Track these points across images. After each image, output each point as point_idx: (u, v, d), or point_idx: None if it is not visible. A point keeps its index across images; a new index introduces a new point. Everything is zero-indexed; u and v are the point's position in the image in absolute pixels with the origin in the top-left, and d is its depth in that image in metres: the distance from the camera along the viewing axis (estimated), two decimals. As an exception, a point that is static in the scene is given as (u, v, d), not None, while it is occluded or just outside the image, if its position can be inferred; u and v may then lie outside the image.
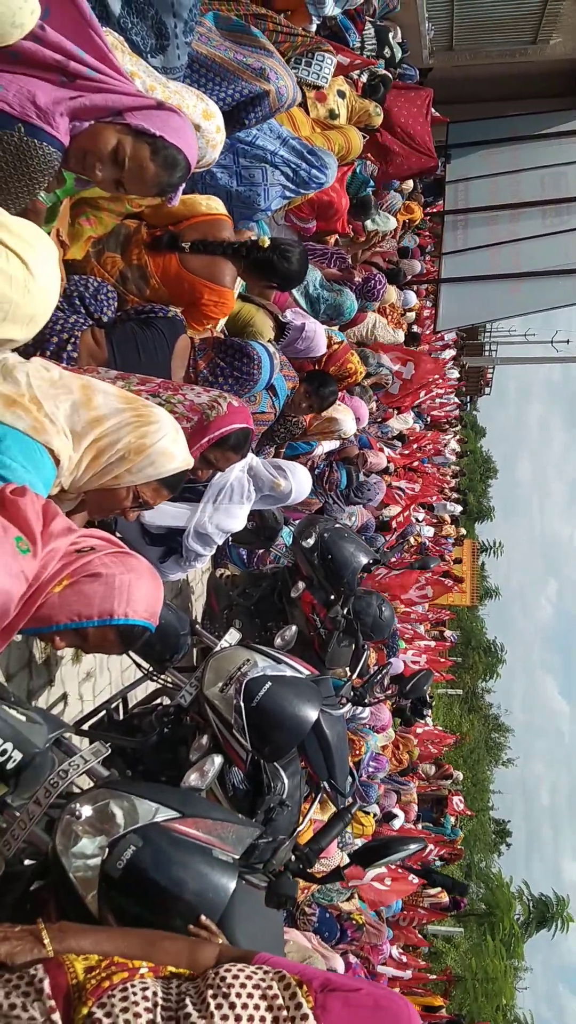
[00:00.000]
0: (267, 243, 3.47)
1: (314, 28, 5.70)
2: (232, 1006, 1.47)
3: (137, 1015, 1.46)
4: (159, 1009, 1.48)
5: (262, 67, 3.65)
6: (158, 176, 2.41)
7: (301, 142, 4.29)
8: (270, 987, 1.52)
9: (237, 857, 2.15)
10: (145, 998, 1.50)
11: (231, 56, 3.61)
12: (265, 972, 1.56)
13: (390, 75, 8.21)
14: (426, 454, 17.36)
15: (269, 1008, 1.49)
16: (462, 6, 11.68)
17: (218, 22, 3.75)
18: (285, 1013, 1.48)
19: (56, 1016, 1.46)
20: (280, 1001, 1.51)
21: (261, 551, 5.97)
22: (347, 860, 2.92)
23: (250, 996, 1.50)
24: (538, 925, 40.49)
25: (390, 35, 8.74)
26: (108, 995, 1.50)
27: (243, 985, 1.52)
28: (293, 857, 2.33)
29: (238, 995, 1.50)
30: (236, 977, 1.54)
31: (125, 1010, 1.46)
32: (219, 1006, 1.46)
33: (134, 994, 1.51)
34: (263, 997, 1.51)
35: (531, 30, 12.14)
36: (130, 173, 2.36)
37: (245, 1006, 1.48)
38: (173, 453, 2.37)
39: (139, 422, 2.31)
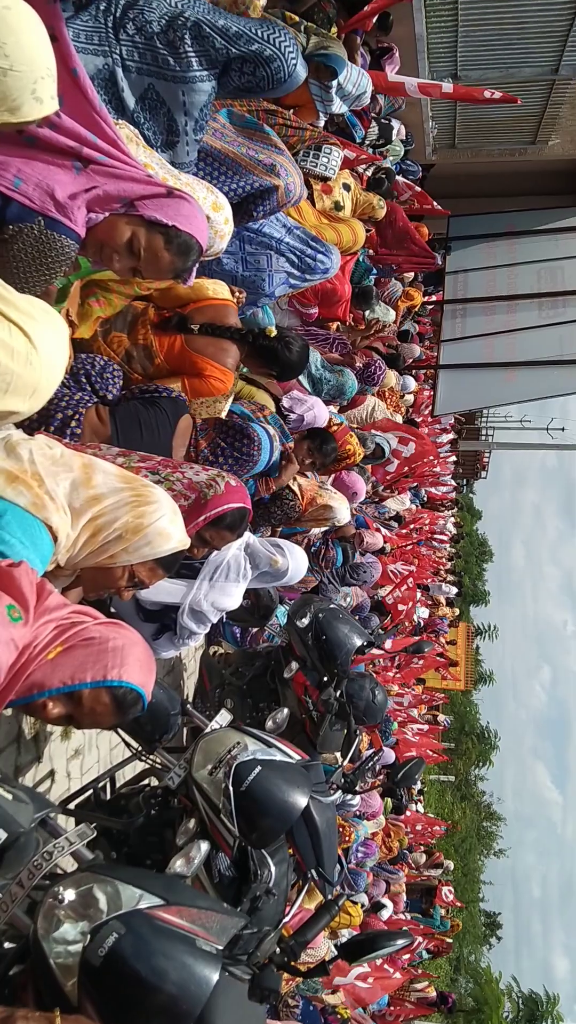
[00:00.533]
0: (274, 333, 3.55)
1: (321, 123, 5.94)
2: None
3: None
4: None
5: (273, 163, 3.79)
6: (173, 263, 2.51)
7: (306, 231, 4.43)
8: None
9: (221, 948, 2.10)
10: None
11: (243, 151, 3.76)
12: None
13: (394, 170, 8.51)
14: (423, 536, 17.43)
15: None
16: (465, 107, 12.17)
17: (232, 118, 3.91)
18: None
19: None
20: None
21: (255, 630, 5.94)
22: (334, 952, 2.84)
23: None
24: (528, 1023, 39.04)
25: (393, 132, 9.07)
26: None
27: None
28: (278, 949, 2.27)
29: None
30: None
31: None
32: None
33: None
34: None
35: (531, 131, 12.61)
36: (146, 262, 2.46)
37: None
38: (170, 533, 2.38)
39: (137, 502, 2.33)
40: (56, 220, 2.22)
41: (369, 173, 7.91)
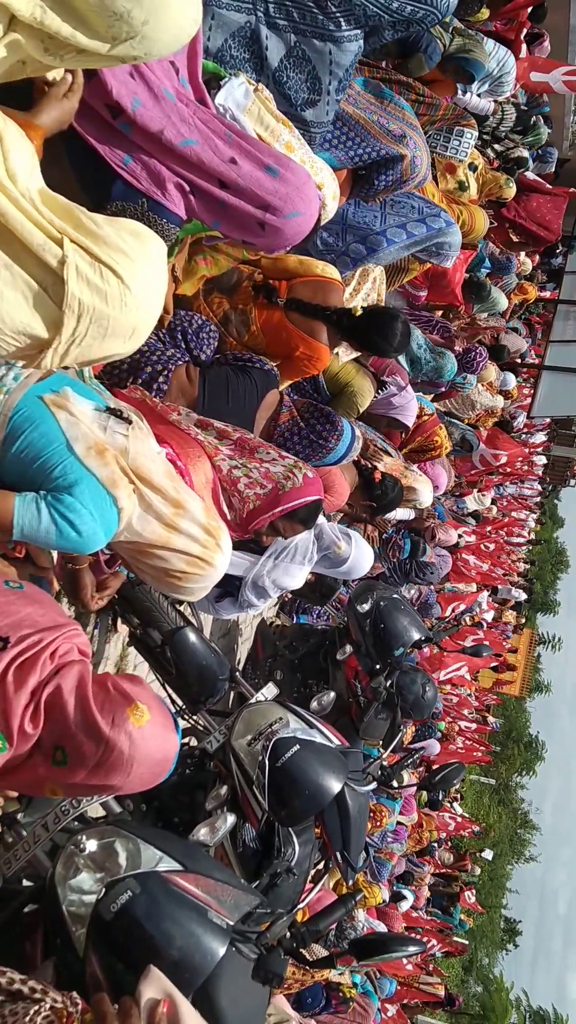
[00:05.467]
0: (359, 311, 3.46)
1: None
2: None
3: None
4: None
5: (403, 134, 3.69)
6: None
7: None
8: None
9: (232, 923, 2.09)
10: None
11: (374, 119, 3.67)
12: None
13: (526, 156, 8.24)
14: (500, 537, 17.15)
15: None
16: (608, 104, 11.75)
17: (367, 87, 3.82)
18: None
19: (79, 1002, 1.51)
20: None
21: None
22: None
23: None
24: (533, 1040, 38.70)
25: (533, 119, 8.79)
26: None
27: None
28: (288, 934, 2.26)
29: None
30: None
31: None
32: None
33: None
34: None
35: None
36: None
37: None
38: (196, 594, 2.50)
39: (198, 564, 2.38)
40: (159, 204, 2.21)
41: (500, 158, 7.68)
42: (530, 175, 8.83)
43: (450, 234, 4.40)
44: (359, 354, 4.28)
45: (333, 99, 3.12)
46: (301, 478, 2.91)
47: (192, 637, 3.55)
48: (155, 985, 1.57)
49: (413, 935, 12.22)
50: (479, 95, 6.35)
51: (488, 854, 20.91)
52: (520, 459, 10.99)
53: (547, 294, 13.07)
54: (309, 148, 2.97)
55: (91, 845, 2.12)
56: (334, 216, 3.60)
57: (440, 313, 7.21)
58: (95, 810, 2.54)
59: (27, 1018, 1.39)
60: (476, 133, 5.75)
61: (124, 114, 2.10)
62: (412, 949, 2.45)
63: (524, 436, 17.04)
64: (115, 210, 2.19)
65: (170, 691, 3.80)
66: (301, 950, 2.29)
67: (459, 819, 17.15)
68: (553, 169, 10.59)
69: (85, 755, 1.82)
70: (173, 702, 3.89)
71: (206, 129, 2.26)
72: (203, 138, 2.24)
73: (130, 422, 2.16)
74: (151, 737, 1.88)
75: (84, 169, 2.21)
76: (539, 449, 20.64)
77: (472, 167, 6.21)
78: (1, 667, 1.80)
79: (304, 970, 5.01)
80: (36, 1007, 1.40)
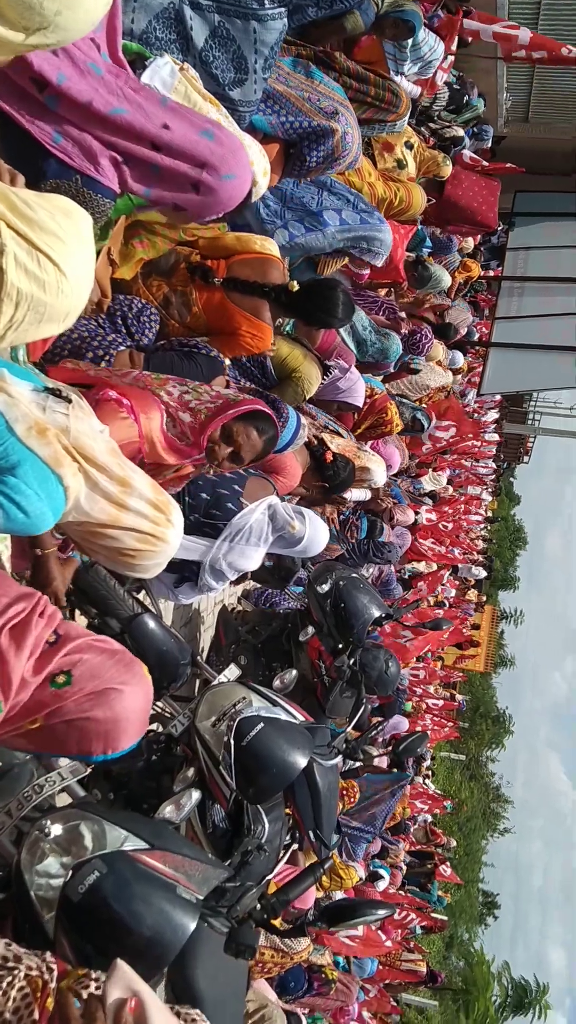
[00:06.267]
0: (295, 287, 3.46)
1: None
2: None
3: None
4: None
5: (335, 111, 3.70)
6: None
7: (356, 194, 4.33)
8: None
9: (201, 898, 2.10)
10: None
11: (305, 96, 3.67)
12: None
13: (461, 135, 8.29)
14: (458, 514, 17.30)
15: None
16: (541, 81, 11.83)
17: (296, 67, 3.82)
18: None
19: (54, 966, 1.49)
20: None
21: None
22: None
23: None
24: (514, 1010, 39.24)
25: (466, 98, 8.84)
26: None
27: None
28: (258, 906, 2.28)
29: None
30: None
31: None
32: None
33: None
34: None
35: (607, 110, 12.28)
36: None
37: None
38: (149, 571, 2.49)
39: (149, 541, 2.37)
40: (93, 179, 2.20)
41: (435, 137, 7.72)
42: (467, 154, 8.90)
43: (382, 231, 4.42)
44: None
45: (260, 77, 3.12)
46: (250, 396, 2.92)
47: (151, 623, 3.54)
48: (121, 983, 1.52)
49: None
50: (407, 76, 6.36)
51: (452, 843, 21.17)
52: (470, 432, 11.07)
53: (491, 272, 13.17)
54: (238, 127, 2.97)
55: (56, 829, 2.12)
56: (275, 191, 3.61)
57: (384, 292, 7.24)
58: (60, 800, 2.53)
59: (0, 993, 1.37)
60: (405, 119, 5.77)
61: (50, 87, 2.09)
62: (382, 912, 2.48)
63: (475, 417, 17.21)
64: (50, 188, 2.18)
65: (132, 679, 3.79)
66: (272, 921, 2.31)
67: (433, 796, 17.31)
68: (489, 146, 10.67)
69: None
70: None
71: (137, 97, 2.26)
72: (133, 106, 2.24)
73: (70, 401, 2.15)
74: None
75: (14, 149, 2.19)
76: (491, 427, 20.84)
77: (409, 145, 6.24)
78: None
79: (283, 953, 5.05)
80: (10, 978, 1.38)
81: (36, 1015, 1.36)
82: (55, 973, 1.44)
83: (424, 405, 8.82)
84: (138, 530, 2.29)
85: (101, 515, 2.22)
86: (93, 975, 1.49)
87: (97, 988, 1.46)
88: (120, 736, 2.07)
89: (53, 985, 1.42)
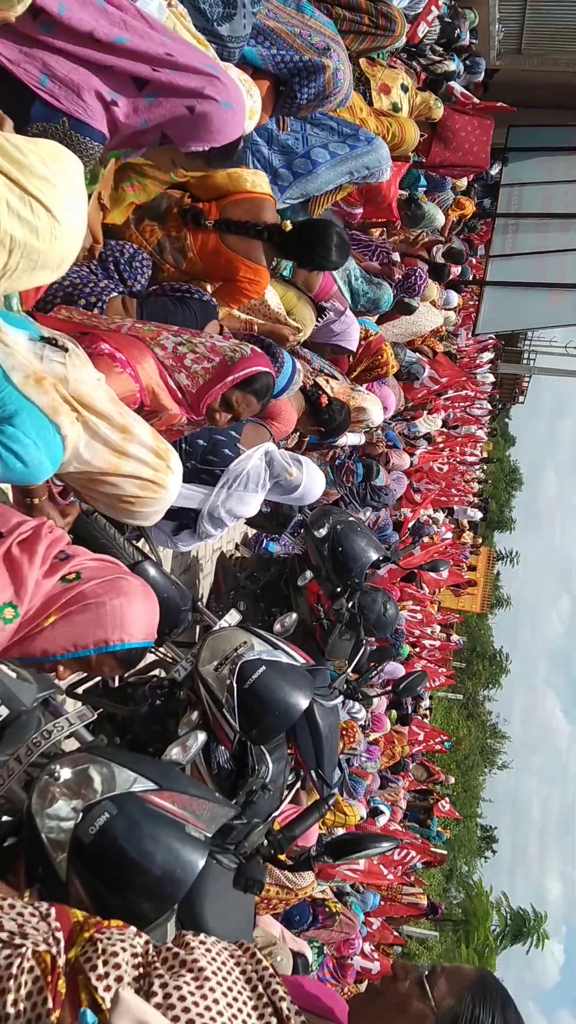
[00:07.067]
0: (288, 227, 3.41)
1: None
2: (197, 962, 1.45)
3: (124, 949, 1.46)
4: (138, 958, 1.48)
5: (327, 47, 3.62)
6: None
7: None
8: (232, 949, 1.53)
9: (209, 835, 2.15)
10: (133, 945, 1.51)
11: (296, 31, 3.59)
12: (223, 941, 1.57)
13: (453, 69, 8.11)
14: (455, 455, 17.30)
15: (234, 961, 1.50)
16: (534, 11, 11.53)
17: (287, 1, 3.72)
18: (249, 968, 1.49)
19: (60, 935, 1.46)
20: (244, 958, 1.51)
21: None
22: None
23: (218, 953, 1.50)
24: (513, 938, 40.37)
25: (456, 32, 8.63)
26: (107, 929, 1.53)
27: (209, 948, 1.51)
28: (265, 842, 2.33)
29: (204, 953, 1.48)
30: (203, 942, 1.54)
31: (113, 944, 1.46)
32: (183, 963, 1.45)
33: (129, 936, 1.52)
34: (230, 955, 1.51)
35: (602, 41, 11.99)
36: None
37: (213, 960, 1.46)
38: (149, 518, 2.53)
39: (150, 487, 2.40)
40: (81, 121, 2.15)
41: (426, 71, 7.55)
42: (458, 88, 8.70)
43: (375, 149, 4.32)
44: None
45: (249, 11, 3.05)
46: (249, 350, 2.90)
47: (151, 571, 3.56)
48: (127, 1017, 1.50)
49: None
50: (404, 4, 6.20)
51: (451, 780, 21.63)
52: (459, 381, 11.06)
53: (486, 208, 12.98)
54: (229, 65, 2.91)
55: (65, 773, 2.15)
56: (262, 132, 3.54)
57: (378, 233, 7.15)
58: (70, 743, 2.57)
59: (10, 979, 1.33)
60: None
61: (45, 14, 2.03)
62: (386, 845, 2.54)
63: (472, 357, 17.12)
64: (36, 132, 2.13)
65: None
66: (279, 856, 2.36)
67: (427, 730, 17.57)
68: (482, 79, 10.43)
69: None
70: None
71: (140, 26, 2.20)
72: (137, 35, 2.18)
73: (66, 350, 2.14)
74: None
75: (-1, 93, 2.14)
76: (486, 366, 20.72)
77: (403, 87, 6.11)
78: (3, 550, 1.93)
79: (288, 889, 5.17)
80: (19, 960, 1.35)
81: (50, 1002, 1.35)
82: (62, 943, 1.44)
83: (416, 356, 8.76)
84: (138, 477, 2.31)
85: (102, 463, 2.22)
86: (101, 937, 1.49)
87: (104, 967, 1.45)
88: (133, 621, 2.12)
89: (62, 960, 1.42)
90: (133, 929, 1.53)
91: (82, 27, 2.11)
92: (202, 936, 1.51)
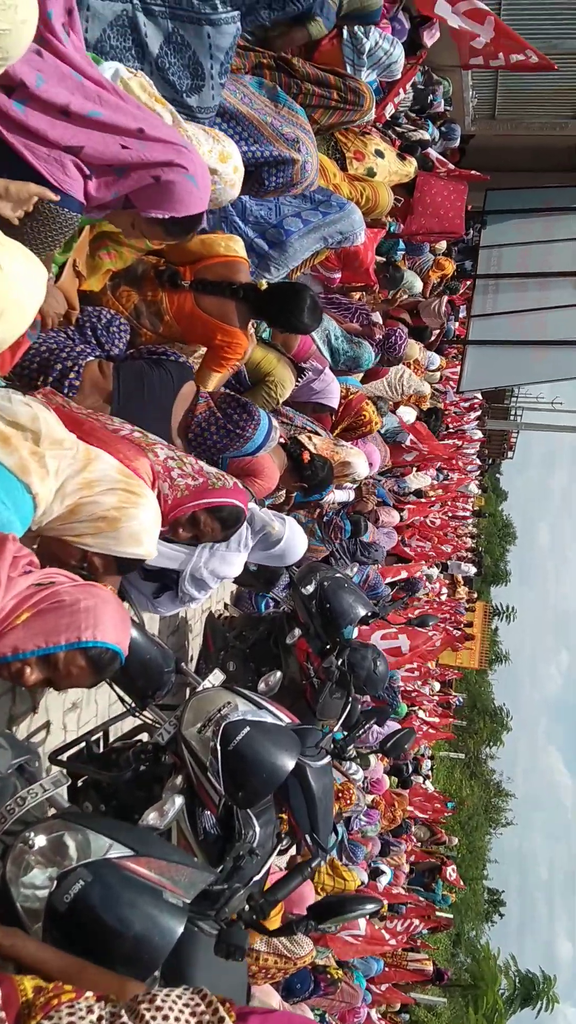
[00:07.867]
0: (264, 285, 3.49)
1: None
2: (165, 1017, 1.50)
3: None
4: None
5: (296, 138, 3.76)
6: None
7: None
8: (196, 1002, 1.54)
9: (188, 901, 2.11)
10: (91, 1011, 1.52)
11: (268, 121, 3.71)
12: (190, 991, 1.57)
13: (428, 137, 8.33)
14: (445, 511, 17.33)
15: (195, 1020, 1.51)
16: (506, 77, 11.89)
17: (262, 88, 3.84)
18: (207, 1018, 1.51)
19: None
20: (205, 1015, 1.52)
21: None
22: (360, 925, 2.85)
23: (181, 1010, 1.52)
24: (523, 1002, 39.29)
25: (429, 98, 8.89)
26: (56, 1010, 1.52)
27: (173, 1001, 1.54)
28: (247, 907, 2.28)
29: (170, 1008, 1.52)
30: (167, 996, 1.56)
31: None
32: (153, 1017, 1.49)
33: (79, 1011, 1.52)
34: (192, 1013, 1.52)
35: (572, 105, 12.33)
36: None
37: (177, 1019, 1.50)
38: (140, 539, 2.44)
39: (126, 497, 2.38)
40: (66, 194, 2.20)
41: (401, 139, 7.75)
42: (434, 154, 8.93)
43: (348, 214, 4.43)
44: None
45: (217, 83, 3.14)
46: (231, 484, 3.03)
47: (132, 632, 3.54)
48: None
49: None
50: (369, 81, 6.39)
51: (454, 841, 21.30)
52: (442, 458, 11.27)
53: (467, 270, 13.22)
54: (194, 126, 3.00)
55: (40, 840, 2.12)
56: (236, 205, 3.62)
57: (358, 296, 7.26)
58: (43, 810, 2.53)
59: None
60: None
61: (22, 90, 2.08)
62: (370, 907, 2.49)
63: (455, 412, 17.26)
64: None
65: (117, 689, 3.79)
66: (261, 921, 2.31)
67: (434, 799, 17.32)
68: (458, 145, 10.72)
69: None
70: (122, 700, 3.88)
71: (114, 100, 2.26)
72: (110, 108, 2.23)
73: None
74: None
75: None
76: (474, 423, 20.89)
77: (379, 153, 6.26)
78: None
79: (286, 959, 5.05)
80: None
81: None
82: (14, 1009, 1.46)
83: (396, 421, 8.89)
84: (112, 488, 2.33)
85: (73, 488, 2.24)
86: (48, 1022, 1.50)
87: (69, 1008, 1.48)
88: (106, 622, 2.10)
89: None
90: (89, 997, 1.53)
91: (59, 100, 2.15)
92: (163, 995, 1.52)
